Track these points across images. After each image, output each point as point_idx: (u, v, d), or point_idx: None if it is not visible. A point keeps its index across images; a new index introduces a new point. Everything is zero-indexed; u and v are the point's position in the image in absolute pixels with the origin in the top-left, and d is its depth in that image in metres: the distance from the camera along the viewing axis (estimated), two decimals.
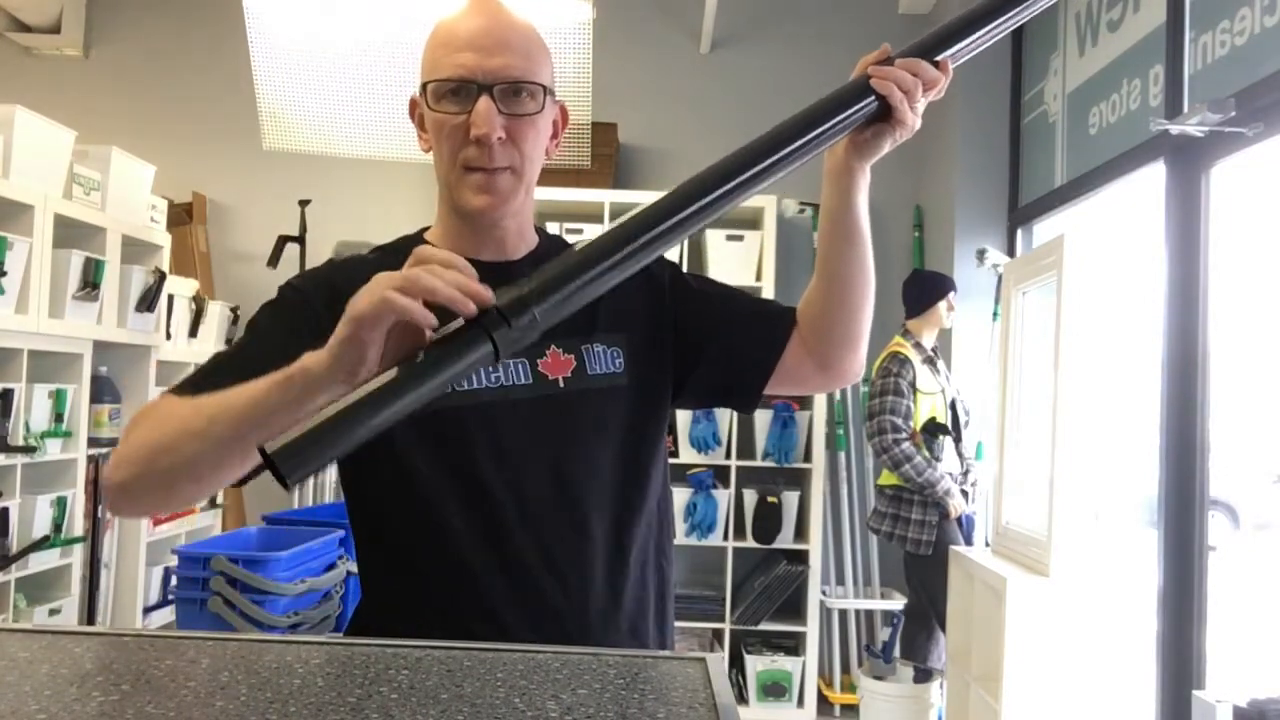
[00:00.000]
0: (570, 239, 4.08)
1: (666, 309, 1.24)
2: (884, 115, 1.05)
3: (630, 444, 1.17)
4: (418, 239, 1.22)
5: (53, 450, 3.14)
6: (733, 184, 0.99)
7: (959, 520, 3.43)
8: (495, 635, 1.07)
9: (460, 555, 1.10)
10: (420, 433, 1.08)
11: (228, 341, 4.27)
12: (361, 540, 1.19)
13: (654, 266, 1.24)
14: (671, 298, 1.25)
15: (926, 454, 3.41)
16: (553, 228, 4.22)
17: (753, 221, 4.36)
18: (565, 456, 1.13)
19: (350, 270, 1.15)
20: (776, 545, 4.09)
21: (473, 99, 1.08)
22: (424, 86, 1.11)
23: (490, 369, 1.09)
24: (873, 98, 1.03)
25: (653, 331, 1.22)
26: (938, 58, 1.06)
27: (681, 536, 4.11)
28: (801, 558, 4.12)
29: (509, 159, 1.11)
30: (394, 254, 1.20)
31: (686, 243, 4.25)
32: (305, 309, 1.10)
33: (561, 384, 1.14)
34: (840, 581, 4.35)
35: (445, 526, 1.10)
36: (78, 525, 3.24)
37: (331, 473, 3.50)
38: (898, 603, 4.10)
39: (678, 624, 4.52)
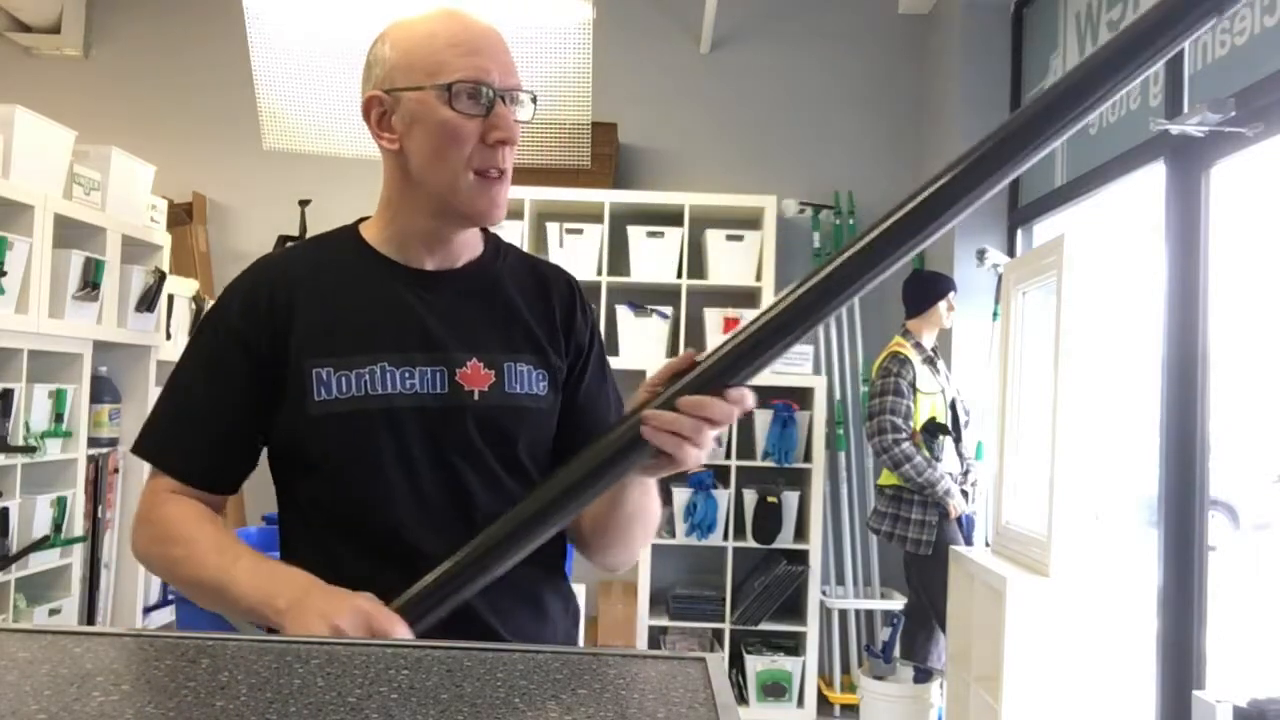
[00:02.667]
0: (570, 239, 4.07)
1: (576, 355, 1.26)
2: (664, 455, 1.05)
3: (532, 462, 1.20)
4: (353, 233, 1.24)
5: (53, 450, 3.14)
6: (519, 541, 1.07)
7: (959, 520, 3.43)
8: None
9: (370, 551, 1.14)
10: (334, 435, 1.13)
11: None
12: (283, 525, 1.22)
13: (586, 307, 1.28)
14: (585, 351, 1.27)
15: (926, 454, 3.41)
16: (553, 228, 4.22)
17: (753, 221, 4.36)
18: (465, 466, 1.15)
19: (279, 266, 1.22)
20: (776, 545, 4.09)
21: (489, 104, 1.10)
22: (448, 87, 1.10)
23: (407, 374, 1.14)
24: (648, 447, 1.03)
25: (567, 362, 1.25)
26: (730, 388, 1.02)
27: (681, 536, 4.12)
28: (801, 558, 4.11)
29: (509, 164, 1.15)
30: (326, 246, 1.24)
31: (687, 243, 4.25)
32: (220, 335, 1.17)
33: (477, 396, 1.16)
34: (840, 581, 4.35)
35: (358, 526, 1.14)
36: (78, 525, 3.24)
37: None
38: (898, 603, 4.10)
39: (678, 624, 4.47)
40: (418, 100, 1.12)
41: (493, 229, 1.28)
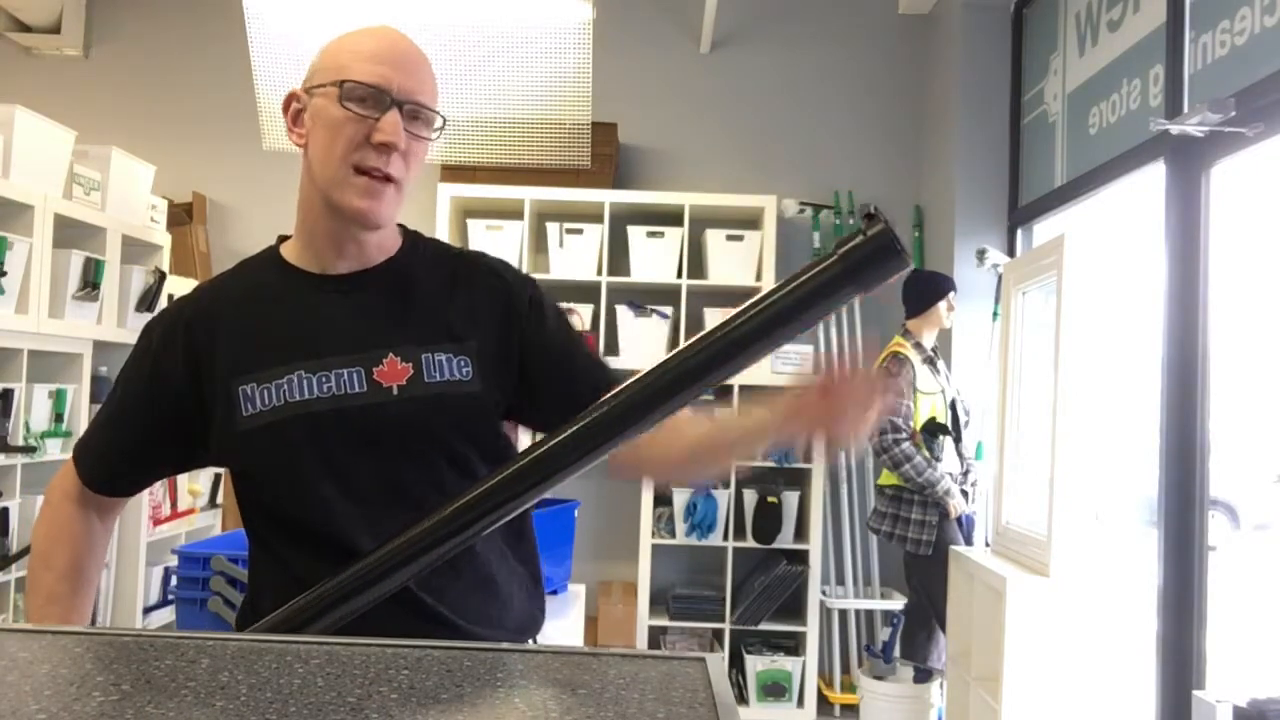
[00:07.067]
0: (570, 239, 4.08)
1: (518, 328, 1.26)
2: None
3: (469, 448, 1.20)
4: (274, 254, 1.30)
5: (53, 450, 3.14)
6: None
7: (959, 520, 3.43)
8: (360, 623, 1.08)
9: (313, 550, 1.15)
10: (259, 447, 1.16)
11: None
12: (246, 530, 1.27)
13: (514, 281, 1.28)
14: (526, 320, 1.26)
15: (926, 454, 3.41)
16: (553, 228, 4.22)
17: (753, 221, 4.36)
18: (397, 463, 1.16)
19: (199, 300, 1.28)
20: (776, 545, 4.09)
21: (382, 109, 1.14)
22: (340, 84, 1.15)
23: (324, 379, 1.17)
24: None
25: (503, 345, 1.24)
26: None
27: (681, 536, 4.12)
28: (801, 558, 4.12)
29: (399, 172, 1.17)
30: (247, 268, 1.31)
31: (687, 244, 4.25)
32: (145, 360, 1.25)
33: (395, 391, 1.17)
34: (840, 581, 4.35)
35: (297, 529, 1.17)
36: None
37: None
38: (898, 603, 4.10)
39: (678, 624, 4.46)
40: (321, 96, 1.17)
41: (427, 230, 1.31)
